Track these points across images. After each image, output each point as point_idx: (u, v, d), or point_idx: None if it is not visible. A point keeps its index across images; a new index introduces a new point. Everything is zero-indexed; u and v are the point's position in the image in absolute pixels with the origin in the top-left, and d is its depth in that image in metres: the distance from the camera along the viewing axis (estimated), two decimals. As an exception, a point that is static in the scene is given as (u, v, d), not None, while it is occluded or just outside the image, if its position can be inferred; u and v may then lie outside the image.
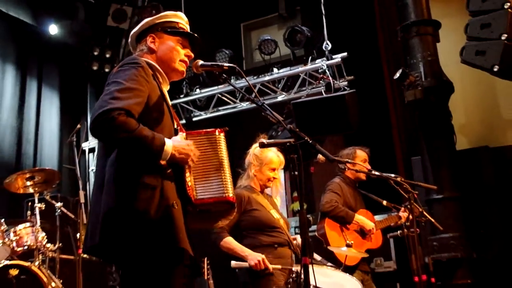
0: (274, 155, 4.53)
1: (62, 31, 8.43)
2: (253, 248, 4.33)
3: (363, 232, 5.38)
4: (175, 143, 2.82)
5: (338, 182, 5.49)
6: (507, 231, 6.22)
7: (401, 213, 5.28)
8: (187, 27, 3.23)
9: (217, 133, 3.05)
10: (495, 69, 5.10)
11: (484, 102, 6.95)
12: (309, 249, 2.81)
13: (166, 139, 2.78)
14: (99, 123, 2.66)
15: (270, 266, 4.23)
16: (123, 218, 2.70)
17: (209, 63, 3.17)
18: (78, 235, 6.10)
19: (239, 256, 4.31)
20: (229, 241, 4.37)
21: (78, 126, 6.65)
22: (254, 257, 4.23)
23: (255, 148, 4.62)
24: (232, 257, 4.38)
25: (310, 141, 2.88)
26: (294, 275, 4.17)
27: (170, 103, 3.10)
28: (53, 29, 8.39)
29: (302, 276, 2.77)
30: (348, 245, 4.80)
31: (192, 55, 3.17)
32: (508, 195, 6.42)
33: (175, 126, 3.03)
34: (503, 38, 5.03)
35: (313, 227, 5.71)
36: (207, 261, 5.36)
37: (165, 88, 3.10)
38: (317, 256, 4.86)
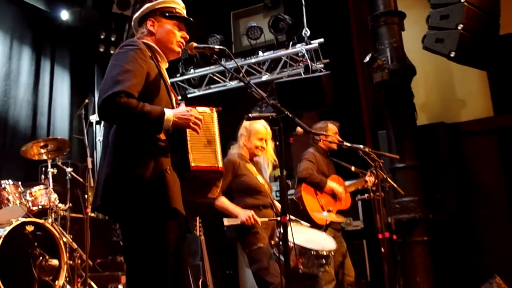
0: (262, 126, 4.53)
1: (73, 16, 8.32)
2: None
3: (334, 194, 5.41)
4: (175, 111, 2.81)
5: (312, 152, 5.50)
6: (459, 195, 6.28)
7: (367, 178, 5.30)
8: (183, 12, 3.19)
9: (210, 110, 3.04)
10: (452, 55, 5.10)
11: (442, 83, 6.96)
12: (287, 209, 2.83)
13: (166, 109, 2.76)
14: (104, 107, 2.67)
15: (259, 220, 4.25)
16: (122, 181, 2.71)
17: (202, 45, 3.14)
18: (86, 196, 6.09)
19: (231, 214, 4.32)
20: (223, 201, 4.38)
21: (86, 101, 6.60)
22: (244, 214, 4.25)
23: (244, 124, 4.64)
24: (222, 216, 4.39)
25: (290, 115, 2.88)
26: (278, 233, 4.19)
27: (168, 80, 3.08)
28: (65, 15, 8.28)
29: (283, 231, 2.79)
30: (328, 211, 4.85)
31: (188, 37, 3.14)
32: (460, 164, 6.47)
33: (173, 101, 3.01)
34: (459, 28, 5.03)
35: (291, 191, 5.74)
36: (199, 219, 5.38)
37: (164, 66, 3.08)
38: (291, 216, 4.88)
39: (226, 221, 4.33)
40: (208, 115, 3.01)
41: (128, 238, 2.83)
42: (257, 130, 4.54)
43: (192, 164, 2.89)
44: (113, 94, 2.64)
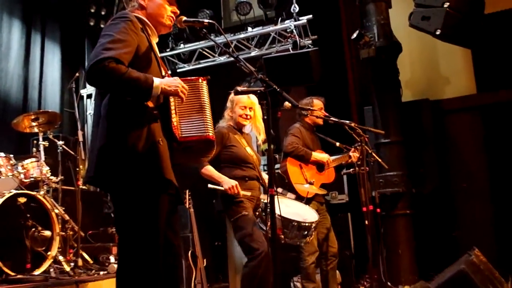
0: (244, 96, 4.50)
1: (63, -10, 8.20)
2: None
3: (319, 168, 5.43)
4: (163, 80, 2.80)
5: (298, 127, 5.50)
6: (440, 170, 6.34)
7: (351, 153, 5.32)
8: (174, -13, 3.15)
9: (200, 80, 3.02)
10: (438, 33, 5.10)
11: (427, 61, 6.97)
12: (275, 181, 2.84)
13: (155, 78, 2.75)
14: (93, 71, 2.63)
15: (242, 192, 4.26)
16: (115, 153, 2.70)
17: (192, 19, 3.11)
18: (77, 169, 6.08)
19: (216, 182, 4.34)
20: (209, 169, 4.38)
21: (77, 74, 6.55)
22: (228, 182, 4.26)
23: (230, 95, 4.63)
24: (211, 190, 4.41)
25: (278, 89, 2.87)
26: (262, 205, 4.22)
27: (158, 53, 3.05)
28: (55, -12, 8.15)
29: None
30: (310, 183, 4.86)
31: (178, 11, 3.10)
32: (443, 140, 6.53)
33: (163, 74, 2.99)
34: (445, 6, 5.02)
35: (279, 165, 5.75)
36: (189, 192, 5.39)
37: (154, 40, 3.06)
38: (278, 189, 4.91)
39: (210, 185, 4.35)
40: (198, 84, 3.01)
41: (120, 210, 2.82)
42: (239, 99, 4.52)
43: (181, 135, 2.89)
44: (102, 59, 2.62)
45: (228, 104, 4.62)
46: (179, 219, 3.16)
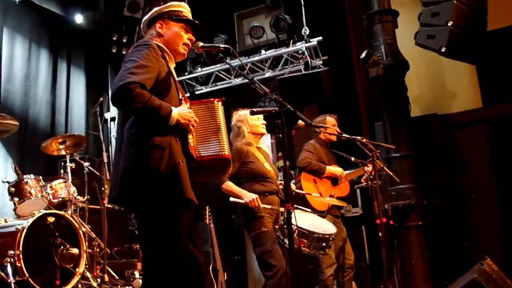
0: (248, 111, 4.51)
1: (86, 20, 8.34)
2: None
3: (333, 182, 5.39)
4: (180, 111, 2.84)
5: (312, 143, 5.48)
6: (450, 182, 6.26)
7: (365, 168, 5.28)
8: (189, 15, 3.20)
9: (215, 102, 3.05)
10: (443, 50, 5.07)
11: (433, 77, 6.92)
12: (291, 196, 2.83)
13: (173, 107, 2.78)
14: (119, 94, 2.66)
15: (261, 205, 4.24)
16: (138, 174, 2.72)
17: (208, 44, 3.15)
18: (102, 188, 6.11)
19: (237, 196, 4.32)
20: (229, 184, 4.37)
21: (101, 99, 6.63)
22: (249, 196, 4.24)
23: (233, 119, 4.63)
24: (230, 205, 4.39)
25: (292, 109, 2.87)
26: (282, 217, 4.20)
27: (176, 78, 3.08)
28: (79, 18, 8.29)
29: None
30: (331, 196, 4.85)
31: (194, 38, 3.15)
32: (451, 153, 6.45)
33: (180, 97, 3.01)
34: (449, 24, 4.99)
35: (293, 181, 5.72)
36: (209, 208, 5.38)
37: (172, 65, 3.09)
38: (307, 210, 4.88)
39: (232, 199, 4.34)
40: (213, 105, 3.03)
41: (144, 227, 2.84)
42: (249, 114, 4.53)
43: (198, 155, 2.92)
44: (129, 82, 2.66)
45: (240, 123, 4.60)
46: (200, 235, 3.15)
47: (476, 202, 6.33)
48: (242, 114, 4.62)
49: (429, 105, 6.79)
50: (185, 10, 3.19)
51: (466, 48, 5.20)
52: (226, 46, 3.09)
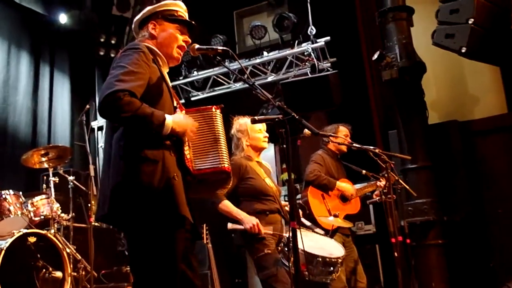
0: (249, 120, 4.50)
1: (71, 19, 8.36)
2: (247, 213, 4.33)
3: (343, 198, 5.39)
4: (175, 118, 2.83)
5: (320, 154, 5.48)
6: (473, 196, 6.24)
7: (378, 182, 5.27)
8: (185, 15, 3.20)
9: (213, 109, 3.04)
10: (463, 51, 5.08)
11: (453, 80, 6.93)
12: (296, 214, 2.82)
13: (167, 115, 2.78)
14: (107, 103, 2.66)
15: (263, 230, 4.23)
16: (129, 190, 2.71)
17: (205, 46, 3.14)
18: (89, 205, 6.10)
19: (235, 219, 4.30)
20: (227, 204, 4.35)
21: (87, 106, 6.64)
22: (249, 221, 4.23)
23: (234, 128, 4.63)
24: (228, 220, 4.38)
25: (297, 117, 2.87)
26: (284, 239, 4.18)
27: (170, 84, 3.08)
28: (63, 18, 8.33)
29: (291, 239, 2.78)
30: (335, 215, 4.82)
31: (190, 40, 3.14)
32: (473, 163, 6.44)
33: (175, 104, 3.01)
34: (470, 22, 5.01)
35: (300, 195, 5.72)
36: (206, 227, 5.37)
37: (165, 70, 3.09)
38: (306, 221, 4.87)
39: (230, 226, 4.32)
40: (211, 114, 3.02)
41: (135, 248, 2.82)
42: (252, 125, 4.53)
43: (195, 168, 2.91)
44: (117, 91, 2.64)
45: (240, 134, 4.60)
46: (196, 256, 3.14)
47: (502, 217, 6.31)
48: (242, 123, 4.60)
49: (448, 111, 6.80)
50: (181, 9, 3.18)
51: (489, 48, 5.21)
52: (224, 48, 3.10)
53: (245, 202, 4.40)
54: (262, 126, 4.61)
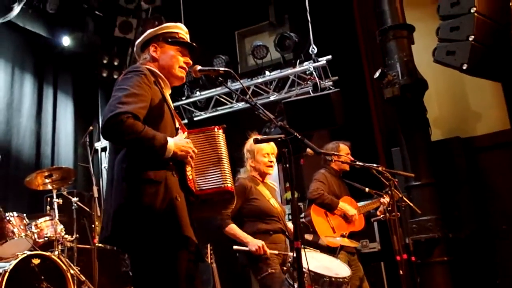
0: (264, 143, 4.52)
1: (74, 42, 8.42)
2: (251, 234, 4.34)
3: (346, 217, 5.38)
4: (176, 141, 2.85)
5: (323, 173, 5.49)
6: (477, 212, 6.23)
7: (381, 199, 5.27)
8: (187, 37, 3.22)
9: (216, 130, 3.07)
10: (464, 67, 5.09)
11: (455, 97, 6.95)
12: (300, 233, 2.82)
13: (169, 138, 2.80)
14: (110, 126, 2.68)
15: (268, 252, 4.23)
16: (132, 212, 2.72)
17: (207, 68, 3.17)
18: (93, 226, 6.11)
19: (241, 242, 4.31)
20: (233, 228, 4.37)
21: (91, 128, 6.66)
22: (254, 244, 4.24)
23: (246, 145, 4.65)
24: (233, 242, 4.38)
25: (299, 136, 2.88)
26: (290, 259, 4.17)
27: (172, 105, 3.10)
28: (66, 41, 8.38)
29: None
30: (342, 236, 4.81)
31: (191, 62, 3.16)
32: (477, 179, 6.43)
33: (177, 126, 3.03)
34: (470, 39, 5.03)
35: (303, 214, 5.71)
36: (211, 247, 5.36)
37: (167, 92, 3.11)
38: (308, 236, 4.86)
39: (236, 247, 4.33)
40: (214, 134, 3.04)
41: (139, 269, 2.83)
42: (260, 147, 4.52)
43: (197, 189, 2.92)
44: (120, 113, 2.66)
45: (247, 154, 4.62)
46: (200, 276, 3.14)
47: (508, 234, 6.28)
48: (252, 143, 4.58)
49: (451, 127, 6.81)
50: (182, 31, 3.21)
51: (490, 64, 5.23)
52: (226, 69, 3.12)
53: (249, 223, 4.41)
54: (271, 150, 4.58)
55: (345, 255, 5.06)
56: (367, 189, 5.34)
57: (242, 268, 4.56)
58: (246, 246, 4.27)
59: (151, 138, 2.72)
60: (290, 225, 4.52)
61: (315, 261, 4.13)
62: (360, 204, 5.52)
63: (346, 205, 5.36)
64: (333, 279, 4.10)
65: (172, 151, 2.80)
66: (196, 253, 2.97)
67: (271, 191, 4.63)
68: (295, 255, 2.81)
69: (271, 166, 4.60)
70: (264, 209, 4.44)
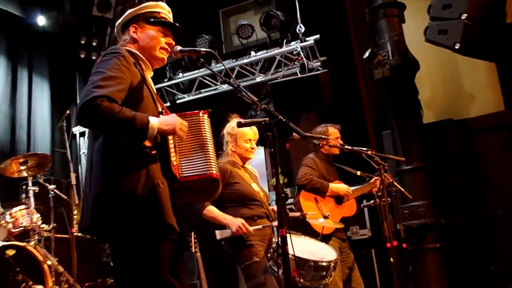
0: (247, 128, 4.51)
1: (50, 21, 8.33)
2: None
3: (337, 201, 5.39)
4: (161, 119, 2.81)
5: (312, 157, 5.48)
6: (471, 197, 6.27)
7: (372, 181, 5.28)
8: (169, 17, 3.19)
9: (201, 114, 3.04)
10: (457, 47, 5.11)
11: (448, 77, 6.97)
12: (285, 221, 2.82)
13: (150, 117, 2.76)
14: (84, 111, 2.64)
15: (250, 228, 4.22)
16: (111, 201, 2.70)
17: (187, 48, 3.13)
18: (71, 215, 6.08)
19: (221, 224, 4.31)
20: (211, 209, 4.35)
21: (68, 111, 6.60)
22: (234, 223, 4.23)
23: (228, 128, 4.64)
24: (216, 228, 4.38)
25: (284, 120, 2.87)
26: (274, 245, 4.19)
27: (153, 88, 3.08)
28: (41, 20, 8.28)
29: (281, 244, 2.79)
30: (325, 217, 4.81)
31: (173, 43, 3.12)
32: (471, 163, 6.48)
33: (159, 109, 3.00)
34: (463, 17, 5.04)
35: (291, 200, 5.72)
36: (195, 235, 5.36)
37: (149, 74, 3.08)
38: (294, 213, 4.84)
39: (219, 234, 4.31)
40: (198, 118, 3.02)
41: (119, 260, 2.81)
42: (243, 131, 4.53)
43: (182, 175, 2.90)
44: (94, 97, 2.62)
45: (229, 137, 4.63)
46: (184, 266, 3.14)
47: (502, 218, 6.34)
48: (234, 126, 4.58)
49: (443, 109, 6.83)
50: (163, 10, 3.18)
51: (483, 43, 5.25)
52: (207, 50, 3.09)
53: (231, 208, 4.40)
54: (253, 136, 4.59)
55: (336, 242, 5.09)
56: (359, 172, 5.35)
57: (229, 257, 4.57)
58: (227, 229, 4.26)
59: (130, 119, 2.67)
60: (274, 207, 4.51)
61: (300, 246, 4.15)
62: (352, 188, 5.53)
63: (337, 185, 5.35)
64: (319, 263, 4.14)
65: (156, 129, 2.74)
66: (180, 241, 2.97)
67: (251, 176, 4.63)
68: (279, 240, 2.81)
69: (252, 152, 4.62)
70: (247, 193, 4.44)
